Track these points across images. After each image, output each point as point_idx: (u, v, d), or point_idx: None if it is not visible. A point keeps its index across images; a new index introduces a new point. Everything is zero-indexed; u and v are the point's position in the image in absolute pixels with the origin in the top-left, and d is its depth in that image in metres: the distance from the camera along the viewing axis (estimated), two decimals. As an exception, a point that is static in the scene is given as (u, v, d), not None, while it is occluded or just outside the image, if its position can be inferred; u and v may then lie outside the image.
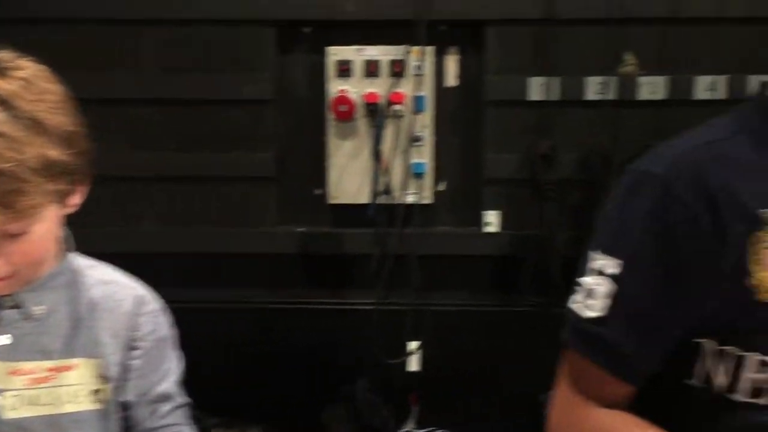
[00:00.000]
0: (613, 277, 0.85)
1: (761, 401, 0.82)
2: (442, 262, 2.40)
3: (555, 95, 2.32)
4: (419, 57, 2.31)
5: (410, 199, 2.37)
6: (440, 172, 2.41)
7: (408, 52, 2.31)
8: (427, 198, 2.40)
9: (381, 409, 2.35)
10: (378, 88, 2.33)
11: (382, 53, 2.32)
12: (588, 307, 0.87)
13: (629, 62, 2.31)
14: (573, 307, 0.89)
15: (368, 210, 2.34)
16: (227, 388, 2.40)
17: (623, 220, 0.86)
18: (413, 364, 2.43)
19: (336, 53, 2.33)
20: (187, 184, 2.40)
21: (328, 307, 2.43)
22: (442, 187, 2.43)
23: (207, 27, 2.34)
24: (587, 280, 0.88)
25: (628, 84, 2.31)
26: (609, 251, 0.86)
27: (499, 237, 2.39)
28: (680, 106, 2.30)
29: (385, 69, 2.33)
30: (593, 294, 0.87)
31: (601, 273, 0.86)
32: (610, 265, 0.86)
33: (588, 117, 2.33)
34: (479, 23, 2.34)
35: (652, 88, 2.32)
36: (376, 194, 2.34)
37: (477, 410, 2.45)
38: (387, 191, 2.36)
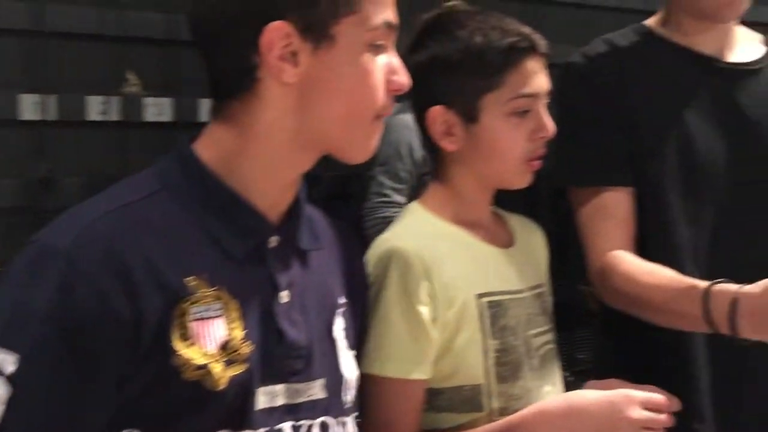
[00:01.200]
0: (9, 378, 0.70)
1: None
2: None
3: (52, 115, 2.12)
4: None
5: None
6: None
7: None
8: None
9: None
10: None
11: None
12: None
13: (132, 82, 2.23)
14: None
15: None
16: None
17: (21, 304, 0.71)
18: None
19: None
20: None
21: None
22: None
23: None
24: None
25: (132, 105, 2.23)
26: (4, 344, 0.71)
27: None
28: (189, 129, 2.29)
29: None
30: None
31: None
32: (7, 361, 0.70)
33: (91, 138, 2.18)
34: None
35: (158, 109, 2.26)
36: None
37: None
38: None
